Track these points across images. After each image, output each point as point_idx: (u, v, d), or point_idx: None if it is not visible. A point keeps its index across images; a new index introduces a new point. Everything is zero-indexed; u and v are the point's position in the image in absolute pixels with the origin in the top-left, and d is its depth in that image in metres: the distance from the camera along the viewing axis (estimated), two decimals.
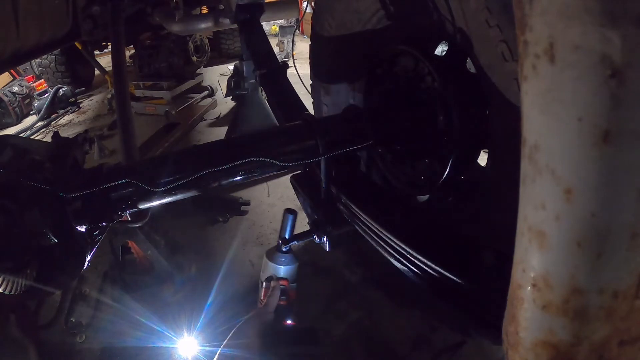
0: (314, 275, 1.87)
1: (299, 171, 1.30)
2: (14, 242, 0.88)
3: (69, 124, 4.27)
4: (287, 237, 1.09)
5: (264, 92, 2.65)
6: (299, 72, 2.00)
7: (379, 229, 1.00)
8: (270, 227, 2.28)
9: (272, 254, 1.12)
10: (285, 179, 2.27)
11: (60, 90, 4.50)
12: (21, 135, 3.85)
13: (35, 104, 4.45)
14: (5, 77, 4.85)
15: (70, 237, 0.94)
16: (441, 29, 1.06)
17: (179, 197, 1.05)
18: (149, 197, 1.02)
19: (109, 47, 3.36)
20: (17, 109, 4.40)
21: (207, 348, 1.42)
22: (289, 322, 0.97)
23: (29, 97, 4.61)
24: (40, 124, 4.25)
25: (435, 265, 0.85)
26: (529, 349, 0.40)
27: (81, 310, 1.70)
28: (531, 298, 0.39)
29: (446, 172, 1.22)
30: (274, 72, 1.82)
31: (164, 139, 3.32)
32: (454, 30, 0.99)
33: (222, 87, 4.34)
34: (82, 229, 0.99)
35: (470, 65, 1.09)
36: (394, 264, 0.99)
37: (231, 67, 4.24)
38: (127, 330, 1.58)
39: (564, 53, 0.32)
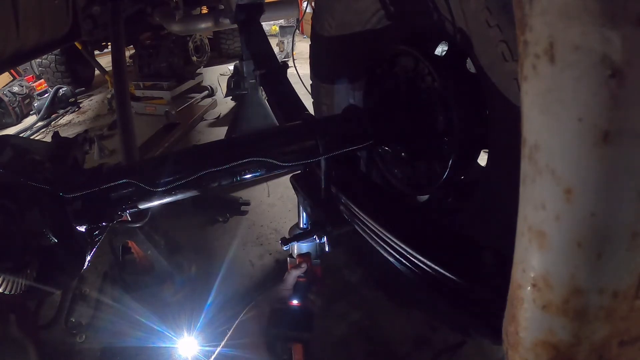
0: None
1: (299, 171, 1.30)
2: (14, 242, 0.88)
3: (69, 124, 4.27)
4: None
5: (264, 92, 2.65)
6: (299, 72, 2.00)
7: (379, 229, 1.00)
8: (270, 227, 2.28)
9: (294, 231, 1.14)
10: (285, 179, 2.27)
11: (60, 90, 4.50)
12: (21, 135, 3.86)
13: (35, 104, 4.45)
14: (5, 77, 4.85)
15: (70, 237, 0.94)
16: (441, 29, 1.06)
17: (179, 197, 1.05)
18: (149, 197, 1.02)
19: (109, 47, 3.36)
20: (17, 109, 4.40)
21: (207, 348, 1.43)
22: (294, 302, 0.97)
23: (29, 97, 4.61)
24: (40, 124, 4.25)
25: (435, 265, 0.85)
26: (529, 349, 0.40)
27: (81, 310, 1.70)
28: (531, 298, 0.39)
29: (446, 172, 1.22)
30: (274, 72, 1.82)
31: (164, 139, 3.32)
32: (454, 30, 0.99)
33: (222, 87, 4.34)
34: (82, 229, 0.99)
35: (470, 65, 1.09)
36: (393, 264, 0.99)
37: (231, 67, 4.24)
38: (127, 330, 1.58)
39: (564, 53, 0.32)
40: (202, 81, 4.70)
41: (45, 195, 0.90)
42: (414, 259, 0.90)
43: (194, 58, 4.60)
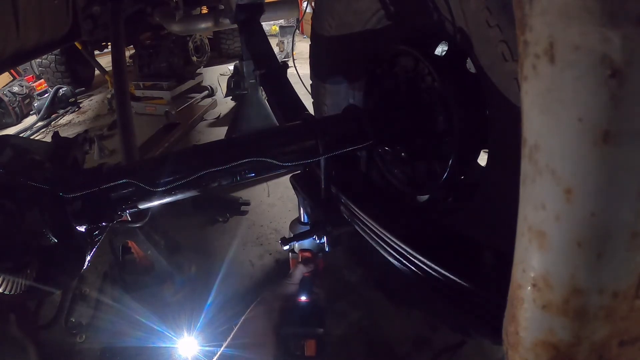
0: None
1: (299, 171, 1.30)
2: (14, 242, 0.88)
3: (69, 124, 4.27)
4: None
5: (264, 92, 2.65)
6: (299, 72, 2.00)
7: (379, 229, 1.00)
8: (270, 227, 2.28)
9: (295, 226, 1.13)
10: (285, 179, 2.27)
11: (60, 90, 4.50)
12: (21, 135, 3.86)
13: (35, 104, 4.45)
14: (5, 77, 4.86)
15: (70, 237, 0.94)
16: (441, 29, 1.06)
17: (179, 197, 1.05)
18: (149, 197, 1.02)
19: (109, 47, 3.36)
20: (17, 109, 4.40)
21: (207, 348, 1.43)
22: (303, 298, 0.97)
23: (29, 97, 4.61)
24: (40, 124, 4.25)
25: (435, 265, 0.85)
26: (529, 349, 0.40)
27: (81, 310, 1.70)
28: (531, 298, 0.39)
29: (446, 172, 1.22)
30: (274, 72, 1.82)
31: (164, 139, 3.32)
32: (454, 30, 0.99)
33: (222, 87, 4.34)
34: (82, 229, 0.99)
35: (470, 65, 1.09)
36: (394, 264, 0.99)
37: (231, 67, 4.24)
38: (127, 330, 1.58)
39: (564, 53, 0.32)
40: (202, 81, 4.70)
41: (45, 195, 0.90)
42: (413, 259, 0.90)
43: (194, 58, 4.60)
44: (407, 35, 1.32)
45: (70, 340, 1.61)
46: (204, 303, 1.61)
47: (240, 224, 2.33)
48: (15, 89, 4.48)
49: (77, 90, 4.81)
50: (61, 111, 4.46)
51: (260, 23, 2.29)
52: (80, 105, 4.71)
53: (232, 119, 3.18)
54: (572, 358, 0.38)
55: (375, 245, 1.03)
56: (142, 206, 1.05)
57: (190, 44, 4.49)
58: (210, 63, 5.27)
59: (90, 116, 4.42)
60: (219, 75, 5.11)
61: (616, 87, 0.30)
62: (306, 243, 1.09)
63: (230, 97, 3.68)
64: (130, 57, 4.60)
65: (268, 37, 2.20)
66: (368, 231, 1.04)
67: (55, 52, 4.56)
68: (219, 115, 3.96)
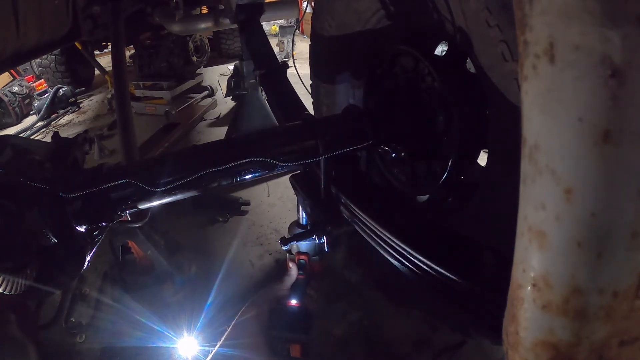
0: None
1: (299, 171, 1.30)
2: (14, 242, 0.88)
3: (69, 124, 4.27)
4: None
5: (264, 92, 2.65)
6: (299, 72, 2.00)
7: (379, 229, 1.00)
8: (270, 227, 2.28)
9: (293, 228, 1.14)
10: (285, 179, 2.27)
11: (60, 90, 4.50)
12: (21, 135, 3.86)
13: (35, 104, 4.45)
14: (5, 77, 4.86)
15: (70, 237, 0.94)
16: (441, 29, 1.06)
17: (179, 197, 1.05)
18: (149, 197, 1.02)
19: (109, 47, 3.36)
20: (17, 109, 4.40)
21: (207, 348, 1.43)
22: (293, 302, 0.98)
23: (29, 97, 4.61)
24: (40, 124, 4.25)
25: (435, 265, 0.85)
26: (529, 349, 0.40)
27: (81, 310, 1.70)
28: (531, 298, 0.39)
29: (446, 172, 1.22)
30: (274, 72, 1.82)
31: (164, 139, 3.32)
32: (454, 30, 0.99)
33: (222, 87, 4.34)
34: (82, 229, 0.99)
35: (470, 65, 1.09)
36: (393, 264, 0.99)
37: (231, 67, 4.24)
38: (127, 330, 1.58)
39: (564, 53, 0.32)
40: (202, 81, 4.70)
41: (45, 195, 0.90)
42: (414, 259, 0.90)
43: (194, 58, 4.60)
44: (407, 35, 1.32)
45: (70, 340, 1.60)
46: (204, 303, 1.61)
47: (240, 224, 2.33)
48: (15, 89, 4.48)
49: (77, 90, 4.81)
50: (61, 111, 4.46)
51: (260, 23, 2.29)
52: (80, 105, 4.71)
53: (232, 119, 3.18)
54: (572, 358, 0.38)
55: (375, 245, 1.03)
56: (142, 206, 1.05)
57: (190, 44, 4.49)
58: (210, 63, 5.27)
59: (90, 116, 4.42)
60: (219, 75, 5.11)
61: (616, 87, 0.30)
62: (303, 246, 1.09)
63: (230, 97, 3.68)
64: (130, 57, 4.60)
65: (268, 37, 2.20)
66: (368, 231, 1.04)
67: (55, 52, 4.56)
68: (219, 115, 3.96)
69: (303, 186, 1.20)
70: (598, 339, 0.37)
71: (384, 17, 1.35)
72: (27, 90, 4.62)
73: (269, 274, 1.96)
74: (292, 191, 1.24)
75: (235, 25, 2.50)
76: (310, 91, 1.86)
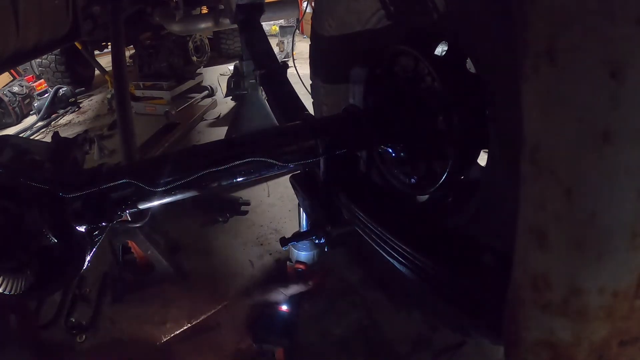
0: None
1: (299, 171, 1.30)
2: (14, 242, 0.88)
3: (69, 124, 4.27)
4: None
5: (264, 92, 2.65)
6: (299, 72, 2.00)
7: (379, 228, 1.00)
8: (270, 227, 2.28)
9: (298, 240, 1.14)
10: (285, 179, 2.27)
11: (60, 90, 4.50)
12: (21, 135, 3.85)
13: (35, 104, 4.45)
14: (5, 77, 4.85)
15: (70, 237, 0.94)
16: (441, 29, 1.06)
17: (179, 197, 1.05)
18: (148, 197, 1.01)
19: (109, 47, 3.37)
20: (17, 109, 4.40)
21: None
22: (284, 307, 1.00)
23: (29, 97, 4.61)
24: (40, 124, 4.25)
25: (435, 265, 0.84)
26: (529, 349, 0.40)
27: (81, 310, 1.70)
28: (531, 298, 0.39)
29: (446, 172, 1.22)
30: (274, 72, 1.82)
31: (164, 139, 3.32)
32: (454, 30, 0.99)
33: (222, 87, 4.34)
34: (82, 229, 0.99)
35: (470, 65, 1.09)
36: (393, 264, 0.99)
37: (231, 67, 4.24)
38: (126, 331, 1.58)
39: (564, 53, 0.32)
40: (202, 81, 4.70)
41: (45, 195, 0.90)
42: (414, 259, 0.90)
43: (194, 58, 4.60)
44: (407, 35, 1.32)
45: (70, 340, 1.60)
46: (204, 303, 1.61)
47: (240, 224, 2.33)
48: (15, 89, 4.48)
49: (77, 90, 4.81)
50: (61, 111, 4.46)
51: (260, 23, 2.29)
52: (80, 105, 4.70)
53: (232, 119, 3.18)
54: (572, 358, 0.38)
55: (375, 245, 1.03)
56: (142, 206, 1.05)
57: (190, 44, 4.49)
58: (210, 63, 5.27)
59: (90, 116, 4.42)
60: (219, 75, 5.10)
61: (616, 87, 0.30)
62: (303, 255, 1.09)
63: (230, 97, 3.68)
64: (130, 57, 4.60)
65: (268, 37, 2.20)
66: (368, 231, 1.04)
67: (55, 52, 4.55)
68: (219, 115, 3.96)
69: (303, 186, 1.20)
70: (598, 339, 0.37)
71: (384, 17, 1.35)
72: (27, 90, 4.62)
73: (269, 274, 1.96)
74: (292, 191, 1.24)
75: (235, 25, 2.50)
76: (310, 91, 1.86)
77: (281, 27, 5.86)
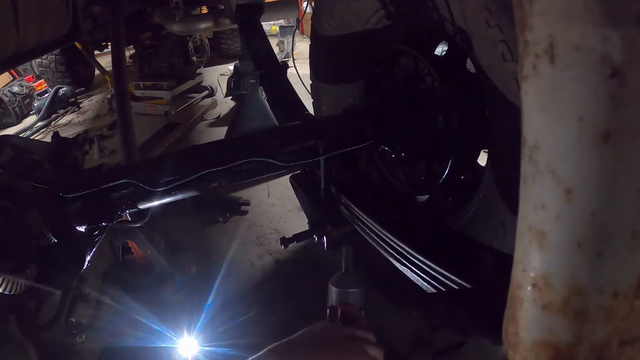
0: (314, 275, 1.87)
1: (299, 171, 1.30)
2: (14, 242, 0.88)
3: (69, 124, 4.27)
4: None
5: (264, 92, 2.65)
6: (299, 72, 1.99)
7: (379, 229, 1.00)
8: (270, 227, 2.28)
9: (339, 281, 0.96)
10: (285, 179, 2.27)
11: (60, 90, 4.50)
12: (21, 135, 3.85)
13: (35, 104, 4.45)
14: (5, 77, 4.85)
15: (70, 237, 0.94)
16: (441, 29, 1.06)
17: (179, 197, 1.05)
18: (148, 197, 1.02)
19: (109, 47, 3.36)
20: (17, 109, 4.40)
21: (207, 348, 1.43)
22: None
23: (29, 97, 4.61)
24: (40, 124, 4.25)
25: (435, 265, 0.85)
26: (529, 349, 0.40)
27: (81, 310, 1.70)
28: (531, 298, 0.39)
29: (446, 172, 1.22)
30: (274, 72, 1.82)
31: (164, 139, 3.32)
32: (454, 30, 0.99)
33: (222, 87, 4.34)
34: (82, 229, 0.99)
35: (470, 65, 1.09)
36: (393, 264, 0.99)
37: (231, 67, 4.24)
38: (127, 330, 1.58)
39: (564, 53, 0.32)
40: (202, 81, 4.70)
41: (45, 195, 0.90)
42: (413, 259, 0.90)
43: (194, 58, 4.60)
44: (407, 35, 1.32)
45: (70, 340, 1.60)
46: (204, 303, 1.61)
47: (240, 224, 2.33)
48: (15, 89, 4.48)
49: (77, 90, 4.81)
50: (61, 111, 4.46)
51: (260, 23, 2.29)
52: (80, 105, 4.70)
53: (232, 119, 3.18)
54: (572, 358, 0.38)
55: (375, 245, 1.03)
56: (142, 206, 1.05)
57: (190, 44, 4.49)
58: (210, 63, 5.26)
59: (90, 116, 4.42)
60: (219, 75, 5.10)
61: (616, 87, 0.30)
62: (348, 296, 0.90)
63: (230, 97, 3.68)
64: (130, 57, 4.60)
65: (268, 37, 2.20)
66: (368, 231, 1.04)
67: (55, 52, 4.55)
68: (219, 115, 3.96)
69: (303, 186, 1.20)
70: (598, 339, 0.37)
71: (384, 17, 1.35)
72: (27, 90, 4.62)
73: (269, 274, 1.96)
74: (292, 191, 1.24)
75: (235, 25, 2.49)
76: (310, 91, 1.86)
77: (281, 27, 5.86)
